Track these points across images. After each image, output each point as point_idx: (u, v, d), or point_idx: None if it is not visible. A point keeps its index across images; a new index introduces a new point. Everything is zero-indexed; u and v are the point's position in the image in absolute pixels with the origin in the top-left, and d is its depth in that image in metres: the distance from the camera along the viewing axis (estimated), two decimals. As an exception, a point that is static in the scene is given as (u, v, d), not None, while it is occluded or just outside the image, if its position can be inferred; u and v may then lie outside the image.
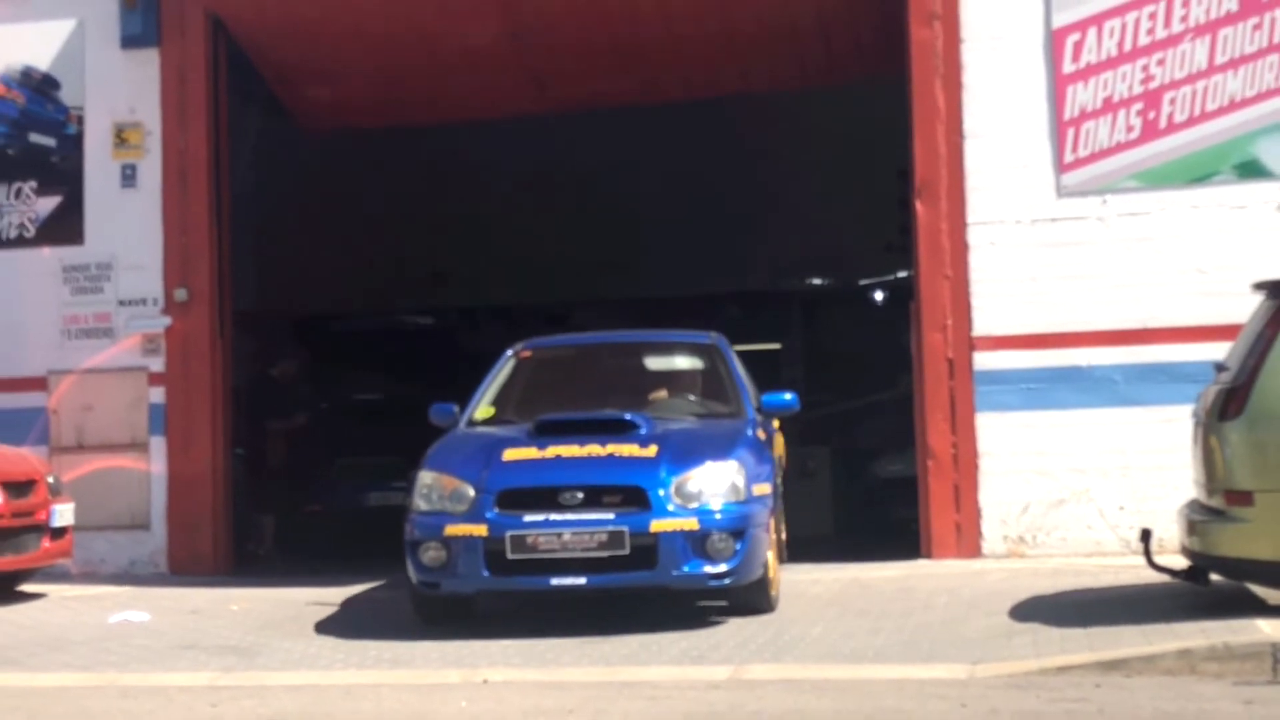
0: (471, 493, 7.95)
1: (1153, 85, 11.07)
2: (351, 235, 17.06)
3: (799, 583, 9.90)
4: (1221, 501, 7.35)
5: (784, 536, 10.58)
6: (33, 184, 12.75)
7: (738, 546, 7.78)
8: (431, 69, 13.15)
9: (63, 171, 12.73)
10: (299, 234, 15.79)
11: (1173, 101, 11.05)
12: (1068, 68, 11.17)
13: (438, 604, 8.27)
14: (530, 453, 8.22)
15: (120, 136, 12.66)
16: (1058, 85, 11.17)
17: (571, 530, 7.70)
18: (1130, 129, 11.09)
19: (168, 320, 12.45)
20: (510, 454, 8.27)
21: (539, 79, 13.24)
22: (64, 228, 12.69)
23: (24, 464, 10.70)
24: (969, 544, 11.01)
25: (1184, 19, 11.03)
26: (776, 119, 15.04)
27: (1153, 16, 11.06)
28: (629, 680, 6.87)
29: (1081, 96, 11.15)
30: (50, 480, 10.72)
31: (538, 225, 17.41)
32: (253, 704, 6.56)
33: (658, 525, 7.67)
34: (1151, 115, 11.07)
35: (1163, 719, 5.58)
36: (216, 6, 12.45)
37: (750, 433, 8.92)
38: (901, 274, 15.03)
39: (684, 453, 8.16)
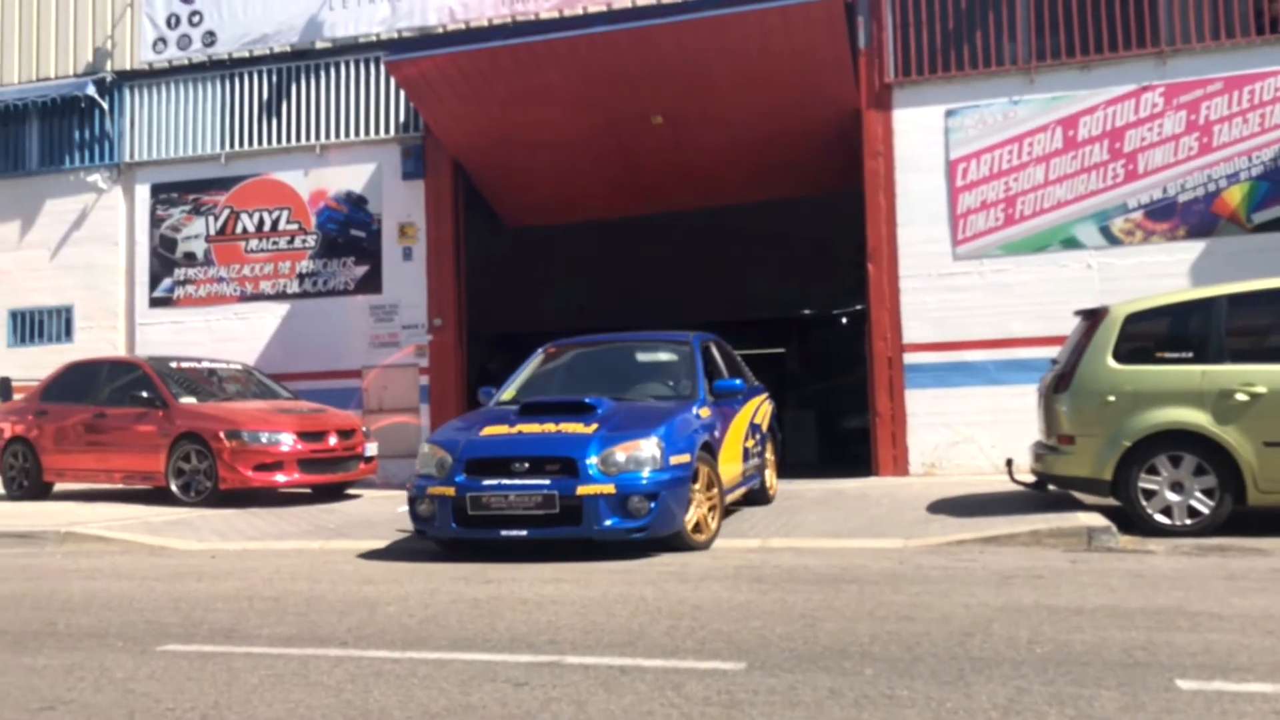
0: (450, 461, 6.57)
1: (1010, 193, 10.90)
2: (533, 284, 17.14)
3: (798, 490, 9.83)
4: (1055, 441, 7.24)
5: (770, 481, 8.95)
6: (351, 259, 12.96)
7: (652, 506, 6.27)
8: (579, 191, 13.21)
9: (369, 251, 12.93)
10: (504, 285, 15.88)
11: (1022, 203, 10.88)
12: (959, 182, 11.02)
13: (442, 543, 6.83)
14: (503, 429, 6.74)
15: (402, 231, 12.83)
16: (953, 194, 11.03)
17: (516, 493, 6.30)
18: (997, 219, 10.91)
19: (430, 337, 12.63)
20: (487, 430, 6.78)
21: (647, 195, 13.28)
22: (370, 284, 12.87)
23: (349, 419, 10.89)
24: (901, 467, 10.89)
25: (1029, 153, 10.87)
26: (785, 213, 14.97)
27: (1010, 152, 10.92)
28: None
29: (967, 200, 10.99)
30: (364, 429, 10.91)
31: (645, 278, 17.43)
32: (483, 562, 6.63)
33: (583, 490, 6.23)
34: (1010, 211, 10.89)
35: (1021, 572, 5.51)
36: (457, 155, 12.58)
37: (689, 412, 7.06)
38: (859, 306, 14.89)
39: (617, 430, 6.55)
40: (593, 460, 6.34)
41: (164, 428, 9.95)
